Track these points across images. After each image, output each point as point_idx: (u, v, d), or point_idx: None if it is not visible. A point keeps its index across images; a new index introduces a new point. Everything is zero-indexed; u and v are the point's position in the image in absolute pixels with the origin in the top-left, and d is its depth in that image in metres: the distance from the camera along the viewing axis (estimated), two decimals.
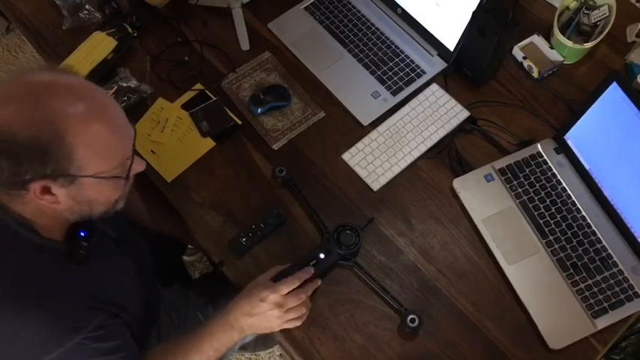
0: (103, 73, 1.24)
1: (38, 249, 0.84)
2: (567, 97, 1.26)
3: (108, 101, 0.81)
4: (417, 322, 1.00)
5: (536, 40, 1.30)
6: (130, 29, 1.30)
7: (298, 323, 1.00)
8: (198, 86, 1.26)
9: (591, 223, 1.10)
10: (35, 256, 0.84)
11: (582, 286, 1.05)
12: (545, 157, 1.17)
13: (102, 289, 0.90)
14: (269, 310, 0.95)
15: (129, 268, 1.01)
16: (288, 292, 0.96)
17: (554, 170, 1.15)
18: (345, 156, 1.19)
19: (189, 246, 1.77)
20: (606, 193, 1.10)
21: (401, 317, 1.03)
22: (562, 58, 1.27)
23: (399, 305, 1.03)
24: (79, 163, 0.76)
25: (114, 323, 0.89)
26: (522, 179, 1.15)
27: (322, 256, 1.04)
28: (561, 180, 1.15)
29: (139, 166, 0.88)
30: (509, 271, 1.07)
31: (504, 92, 1.27)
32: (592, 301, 1.04)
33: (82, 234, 0.88)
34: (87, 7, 1.32)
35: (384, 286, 1.05)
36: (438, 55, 1.29)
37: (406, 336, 1.03)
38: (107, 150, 0.79)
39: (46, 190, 0.77)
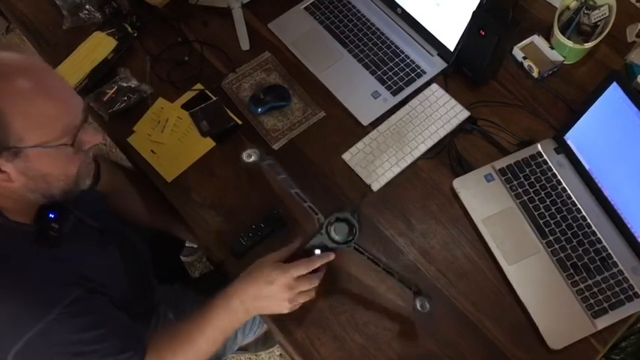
0: (103, 73, 1.24)
1: (6, 231, 0.85)
2: (567, 97, 1.26)
3: (45, 71, 0.82)
4: (426, 308, 0.95)
5: (537, 40, 1.30)
6: (130, 29, 1.30)
7: (303, 302, 0.96)
8: (198, 86, 1.26)
9: (591, 223, 1.10)
10: (4, 238, 0.85)
11: (582, 286, 1.05)
12: (545, 157, 1.17)
13: (78, 267, 0.89)
14: (279, 293, 0.91)
15: (113, 256, 1.00)
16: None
17: (554, 170, 1.15)
18: (345, 156, 1.19)
19: (187, 245, 1.78)
20: (606, 193, 1.10)
21: (414, 296, 0.97)
22: (562, 58, 1.27)
23: (407, 284, 0.98)
24: (18, 135, 0.77)
25: (92, 298, 0.88)
26: (522, 179, 1.15)
27: (318, 252, 0.97)
28: (561, 180, 1.15)
29: (93, 138, 0.87)
30: (510, 271, 1.07)
31: (504, 92, 1.27)
32: (592, 301, 1.04)
33: (52, 215, 0.88)
34: (87, 7, 1.32)
35: (389, 265, 0.99)
36: (438, 55, 1.29)
37: (416, 323, 1.03)
38: (47, 119, 0.79)
39: None
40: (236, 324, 0.95)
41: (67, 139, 0.82)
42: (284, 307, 0.94)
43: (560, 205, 1.12)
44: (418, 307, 0.96)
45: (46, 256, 0.86)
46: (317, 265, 0.94)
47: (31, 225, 0.87)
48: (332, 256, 0.96)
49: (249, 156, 1.00)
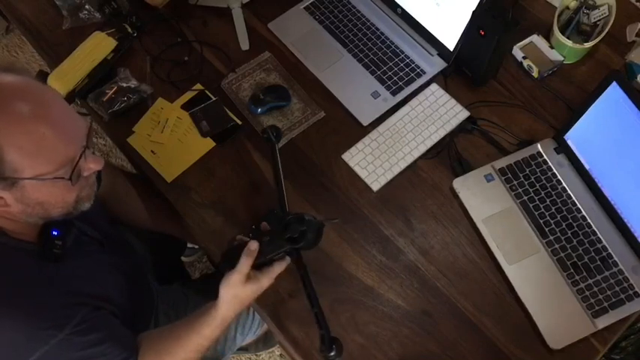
0: (103, 73, 1.24)
1: (11, 251, 0.84)
2: (567, 97, 1.26)
3: (50, 100, 0.78)
4: (332, 353, 0.92)
5: (536, 39, 1.30)
6: (129, 29, 1.30)
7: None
8: (198, 86, 1.26)
9: (591, 223, 1.10)
10: (9, 258, 0.84)
11: (582, 285, 1.05)
12: (545, 157, 1.17)
13: (82, 283, 0.90)
14: (257, 294, 0.93)
15: (114, 266, 1.00)
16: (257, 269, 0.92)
17: (554, 170, 1.15)
18: (345, 156, 1.19)
19: (189, 245, 1.78)
20: (606, 192, 1.10)
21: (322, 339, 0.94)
22: (562, 58, 1.27)
23: (325, 329, 0.93)
24: (13, 166, 0.75)
25: (98, 315, 0.89)
26: (522, 179, 1.15)
27: (267, 238, 0.94)
28: (561, 180, 1.15)
29: (94, 165, 0.85)
30: (510, 271, 1.07)
31: (504, 92, 1.27)
32: (592, 300, 1.04)
33: (55, 233, 0.87)
34: (87, 7, 1.32)
35: (318, 300, 0.95)
36: (438, 54, 1.29)
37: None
38: (45, 152, 0.77)
39: None
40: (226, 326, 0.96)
41: (64, 171, 0.79)
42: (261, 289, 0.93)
43: (560, 204, 1.12)
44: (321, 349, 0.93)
45: (51, 274, 0.86)
46: (277, 273, 0.93)
47: (34, 243, 0.87)
48: (288, 260, 0.95)
49: None
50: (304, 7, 1.37)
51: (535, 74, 1.27)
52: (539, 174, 1.15)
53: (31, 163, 0.76)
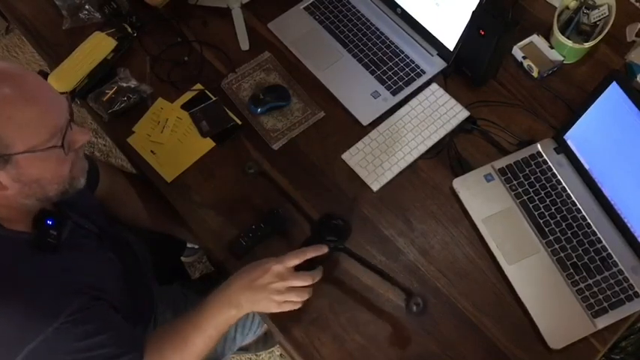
0: (102, 73, 1.24)
1: (4, 240, 0.84)
2: (567, 97, 1.26)
3: (22, 75, 0.80)
4: (421, 305, 1.02)
5: (536, 39, 1.30)
6: (129, 29, 1.30)
7: (296, 307, 0.95)
8: (198, 86, 1.26)
9: (591, 223, 1.10)
10: (1, 247, 0.84)
11: (582, 285, 1.05)
12: (545, 157, 1.17)
13: (79, 274, 0.89)
14: (270, 284, 0.92)
15: (112, 262, 1.00)
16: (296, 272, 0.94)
17: (554, 170, 1.16)
18: (345, 156, 1.19)
19: (189, 245, 1.78)
20: (606, 192, 1.10)
21: (406, 299, 1.04)
22: (562, 58, 1.27)
23: (402, 288, 1.03)
24: (4, 142, 0.76)
25: (96, 305, 0.88)
26: (522, 179, 1.15)
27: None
28: (561, 180, 1.15)
29: (82, 136, 0.86)
30: (510, 271, 1.07)
31: (504, 92, 1.27)
32: (592, 300, 1.04)
33: (49, 222, 0.88)
34: (87, 7, 1.32)
35: (381, 268, 1.04)
36: (438, 54, 1.29)
37: (409, 323, 1.04)
38: (32, 123, 0.78)
39: None
40: (231, 320, 0.95)
41: (55, 140, 0.81)
42: (274, 301, 0.93)
43: (559, 204, 1.12)
44: (412, 306, 1.03)
45: (46, 265, 0.86)
46: (309, 255, 0.95)
47: (28, 233, 0.87)
48: (325, 249, 0.97)
49: None
50: (304, 7, 1.37)
51: (535, 74, 1.27)
52: (539, 174, 1.15)
53: (22, 137, 0.77)
